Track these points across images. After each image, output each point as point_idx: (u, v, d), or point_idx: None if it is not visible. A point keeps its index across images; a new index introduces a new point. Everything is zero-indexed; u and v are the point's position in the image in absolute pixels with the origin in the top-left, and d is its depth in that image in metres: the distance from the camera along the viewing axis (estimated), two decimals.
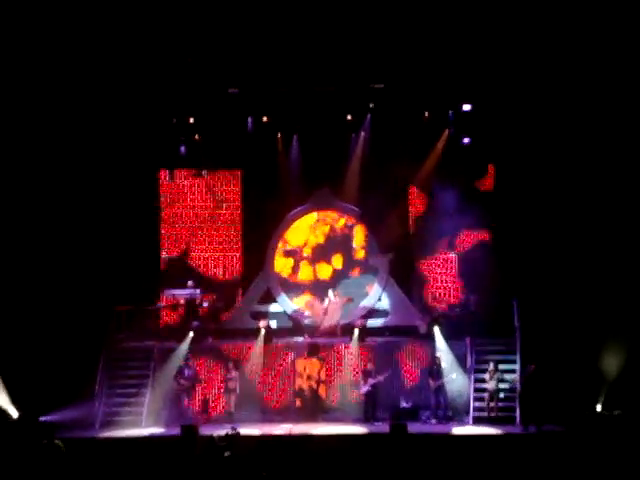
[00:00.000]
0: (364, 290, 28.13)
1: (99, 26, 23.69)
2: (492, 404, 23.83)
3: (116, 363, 25.16)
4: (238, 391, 24.58)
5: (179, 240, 28.68)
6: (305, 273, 28.53)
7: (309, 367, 25.26)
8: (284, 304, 28.10)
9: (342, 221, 28.68)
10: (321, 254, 28.55)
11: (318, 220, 28.74)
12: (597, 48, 23.77)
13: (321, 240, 28.66)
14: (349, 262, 28.49)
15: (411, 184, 28.40)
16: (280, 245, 28.57)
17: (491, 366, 23.98)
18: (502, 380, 23.87)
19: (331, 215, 28.74)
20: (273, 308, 28.17)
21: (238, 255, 28.67)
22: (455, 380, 24.23)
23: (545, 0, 23.27)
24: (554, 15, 23.34)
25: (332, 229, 28.67)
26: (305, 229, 28.69)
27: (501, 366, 24.20)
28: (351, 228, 28.62)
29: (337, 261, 28.48)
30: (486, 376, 24.00)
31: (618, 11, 23.01)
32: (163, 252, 28.54)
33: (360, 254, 28.52)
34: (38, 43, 23.80)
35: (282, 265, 28.54)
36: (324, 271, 28.47)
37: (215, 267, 28.63)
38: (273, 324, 27.09)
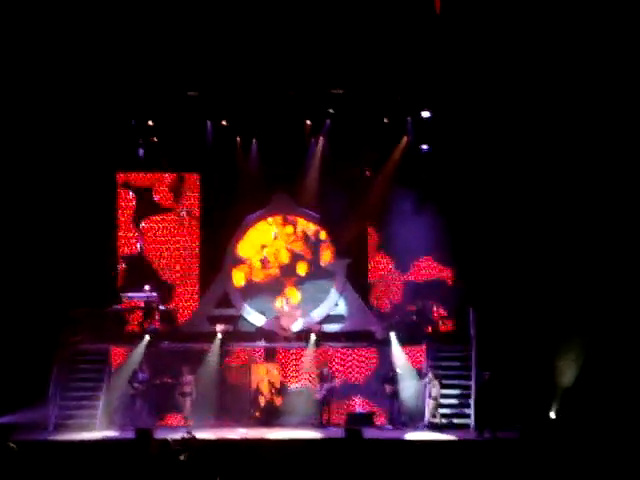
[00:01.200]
0: (321, 295, 28.13)
1: (59, 27, 23.52)
2: (435, 411, 23.96)
3: (70, 365, 24.98)
4: (194, 395, 24.48)
5: (136, 242, 28.50)
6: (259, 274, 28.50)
7: (265, 372, 25.24)
8: (249, 315, 27.97)
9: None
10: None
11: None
12: (558, 53, 23.98)
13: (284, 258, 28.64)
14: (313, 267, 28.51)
15: (369, 189, 28.43)
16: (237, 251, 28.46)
17: (430, 374, 24.12)
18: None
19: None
20: (230, 312, 28.02)
21: (196, 259, 28.57)
22: (408, 384, 24.33)
23: (504, 6, 23.40)
24: (513, 20, 23.50)
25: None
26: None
27: (456, 372, 24.37)
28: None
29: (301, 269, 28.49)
30: (431, 382, 24.06)
31: (579, 18, 23.22)
32: (120, 252, 28.35)
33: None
34: None
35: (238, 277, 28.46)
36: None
37: (172, 270, 28.49)
38: (230, 328, 26.95)
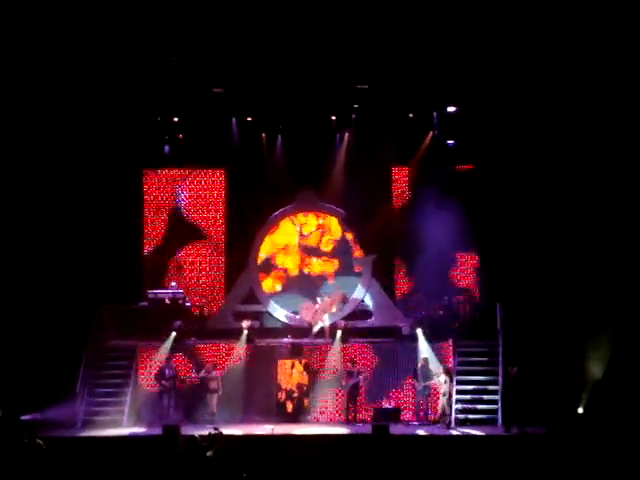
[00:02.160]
0: (348, 291, 28.10)
1: (83, 25, 23.53)
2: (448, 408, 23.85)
3: (98, 362, 25.10)
4: (220, 392, 24.52)
5: (162, 239, 28.60)
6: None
7: (292, 367, 25.23)
8: (275, 311, 27.95)
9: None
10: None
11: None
12: (583, 51, 23.79)
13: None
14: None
15: (395, 185, 28.39)
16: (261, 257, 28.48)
17: (440, 369, 24.07)
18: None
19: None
20: (256, 308, 28.04)
21: (222, 255, 28.62)
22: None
23: (531, 4, 23.25)
24: (540, 18, 23.33)
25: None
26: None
27: (483, 368, 24.31)
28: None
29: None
30: (441, 379, 23.91)
31: (604, 17, 23.04)
32: (146, 249, 28.45)
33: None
34: (20, 42, 23.66)
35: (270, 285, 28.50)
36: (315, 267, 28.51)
37: (200, 269, 28.57)
38: (256, 324, 26.94)
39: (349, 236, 28.31)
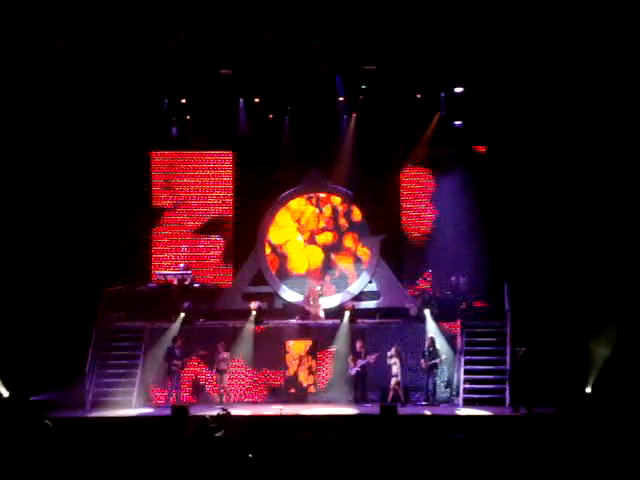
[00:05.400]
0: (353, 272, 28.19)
1: (91, 7, 23.50)
2: (397, 387, 24.01)
3: (106, 343, 25.18)
4: (230, 372, 24.58)
5: (170, 221, 28.66)
6: (298, 262, 28.55)
7: (300, 348, 25.28)
8: (286, 294, 28.00)
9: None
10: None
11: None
12: (590, 34, 23.67)
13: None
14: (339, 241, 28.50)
15: (402, 165, 28.39)
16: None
17: (393, 350, 24.11)
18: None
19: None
20: (264, 289, 28.08)
21: (231, 236, 28.66)
22: (446, 361, 24.32)
23: None
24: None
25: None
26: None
27: (492, 348, 24.35)
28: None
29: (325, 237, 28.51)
30: (392, 360, 24.05)
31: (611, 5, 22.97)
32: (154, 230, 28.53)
33: (349, 242, 28.50)
34: (28, 24, 23.66)
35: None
36: (316, 256, 28.48)
37: (207, 249, 28.61)
38: (264, 306, 26.95)
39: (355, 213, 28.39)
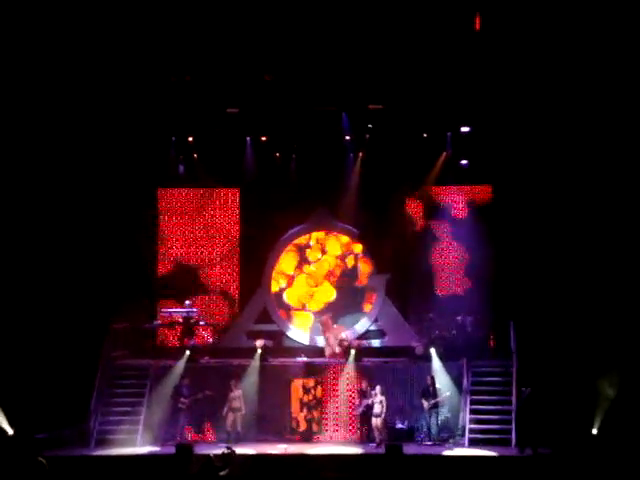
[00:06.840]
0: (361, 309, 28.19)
1: (99, 44, 23.70)
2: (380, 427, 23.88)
3: (112, 381, 25.11)
4: (243, 410, 24.45)
5: (176, 257, 28.73)
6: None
7: (305, 387, 25.20)
8: (296, 335, 28.06)
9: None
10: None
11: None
12: (592, 68, 23.83)
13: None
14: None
15: (408, 204, 28.47)
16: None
17: (377, 389, 24.00)
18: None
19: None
20: (270, 327, 28.05)
21: (236, 273, 28.69)
22: (450, 400, 24.22)
23: (542, 23, 23.30)
24: (549, 38, 23.41)
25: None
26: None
27: (498, 388, 24.27)
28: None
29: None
30: (375, 399, 23.90)
31: (612, 34, 23.10)
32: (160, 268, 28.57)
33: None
34: (38, 62, 23.84)
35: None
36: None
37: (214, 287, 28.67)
38: (269, 343, 26.90)
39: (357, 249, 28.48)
